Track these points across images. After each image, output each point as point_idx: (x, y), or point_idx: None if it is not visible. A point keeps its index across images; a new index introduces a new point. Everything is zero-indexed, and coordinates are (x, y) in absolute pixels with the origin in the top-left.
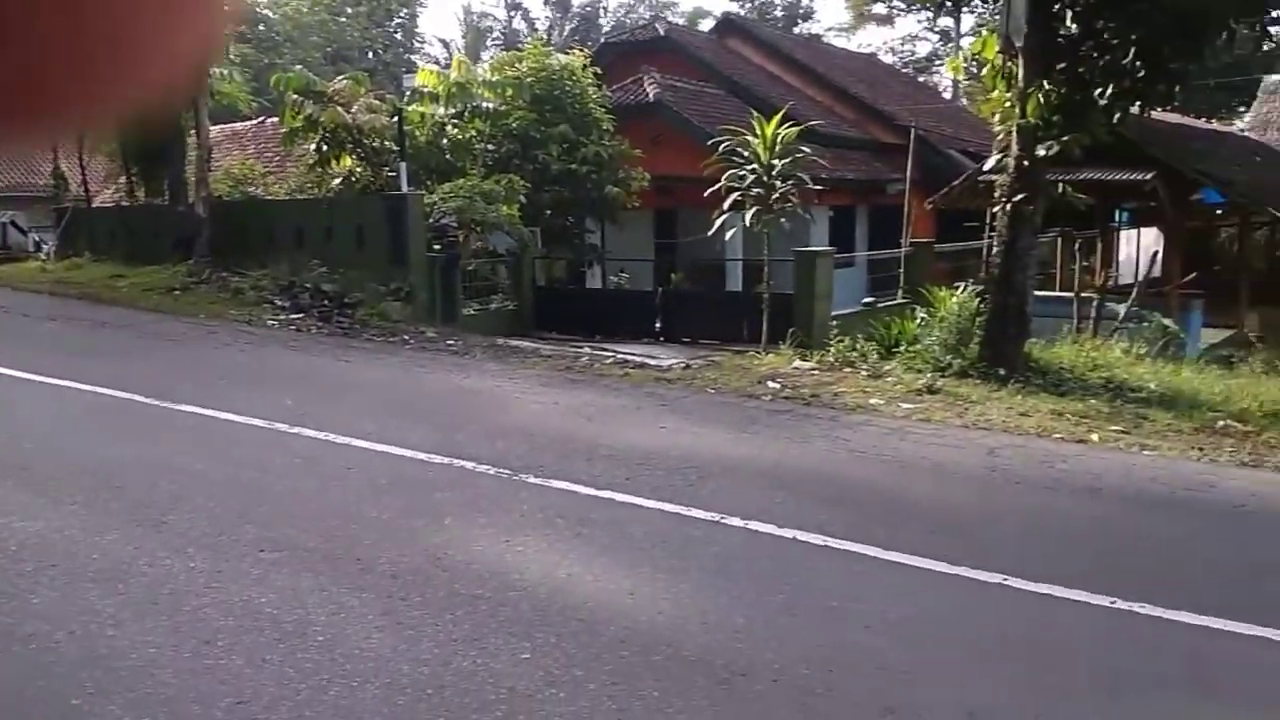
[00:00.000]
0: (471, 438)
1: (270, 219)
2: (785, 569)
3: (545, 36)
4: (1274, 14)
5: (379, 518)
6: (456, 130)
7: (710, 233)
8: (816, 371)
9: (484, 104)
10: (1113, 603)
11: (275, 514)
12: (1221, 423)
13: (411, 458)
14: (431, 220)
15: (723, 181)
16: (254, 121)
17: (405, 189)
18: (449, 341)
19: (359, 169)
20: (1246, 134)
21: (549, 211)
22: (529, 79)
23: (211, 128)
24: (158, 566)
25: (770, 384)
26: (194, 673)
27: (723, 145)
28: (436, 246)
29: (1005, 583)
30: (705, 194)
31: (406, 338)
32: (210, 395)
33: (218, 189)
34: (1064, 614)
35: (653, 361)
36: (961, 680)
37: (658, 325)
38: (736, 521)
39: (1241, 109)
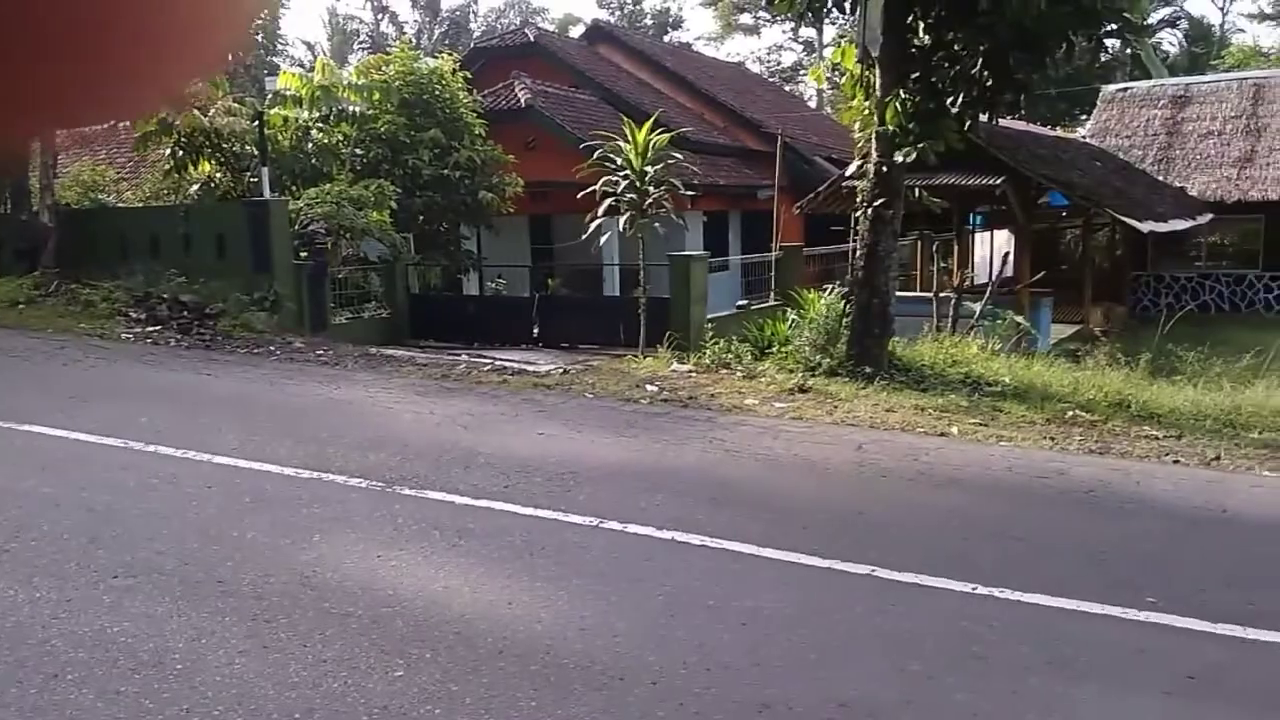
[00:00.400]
0: (342, 450)
1: (124, 227)
2: (664, 570)
3: (414, 40)
4: (1109, 27)
5: (242, 537)
6: (322, 134)
7: (585, 238)
8: (693, 374)
9: (350, 107)
10: (974, 588)
11: (129, 537)
12: (1070, 413)
13: (277, 473)
14: (298, 227)
15: (597, 187)
16: (105, 125)
17: (268, 195)
18: (318, 352)
19: (219, 174)
20: (1088, 140)
21: (422, 217)
22: (397, 82)
23: (57, 131)
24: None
25: (648, 387)
26: (40, 710)
27: (596, 151)
28: (304, 254)
29: (874, 573)
30: (579, 198)
31: (273, 349)
32: (59, 414)
33: (65, 196)
34: (929, 601)
35: (531, 367)
36: (834, 672)
37: (535, 331)
38: (615, 525)
39: (1083, 117)
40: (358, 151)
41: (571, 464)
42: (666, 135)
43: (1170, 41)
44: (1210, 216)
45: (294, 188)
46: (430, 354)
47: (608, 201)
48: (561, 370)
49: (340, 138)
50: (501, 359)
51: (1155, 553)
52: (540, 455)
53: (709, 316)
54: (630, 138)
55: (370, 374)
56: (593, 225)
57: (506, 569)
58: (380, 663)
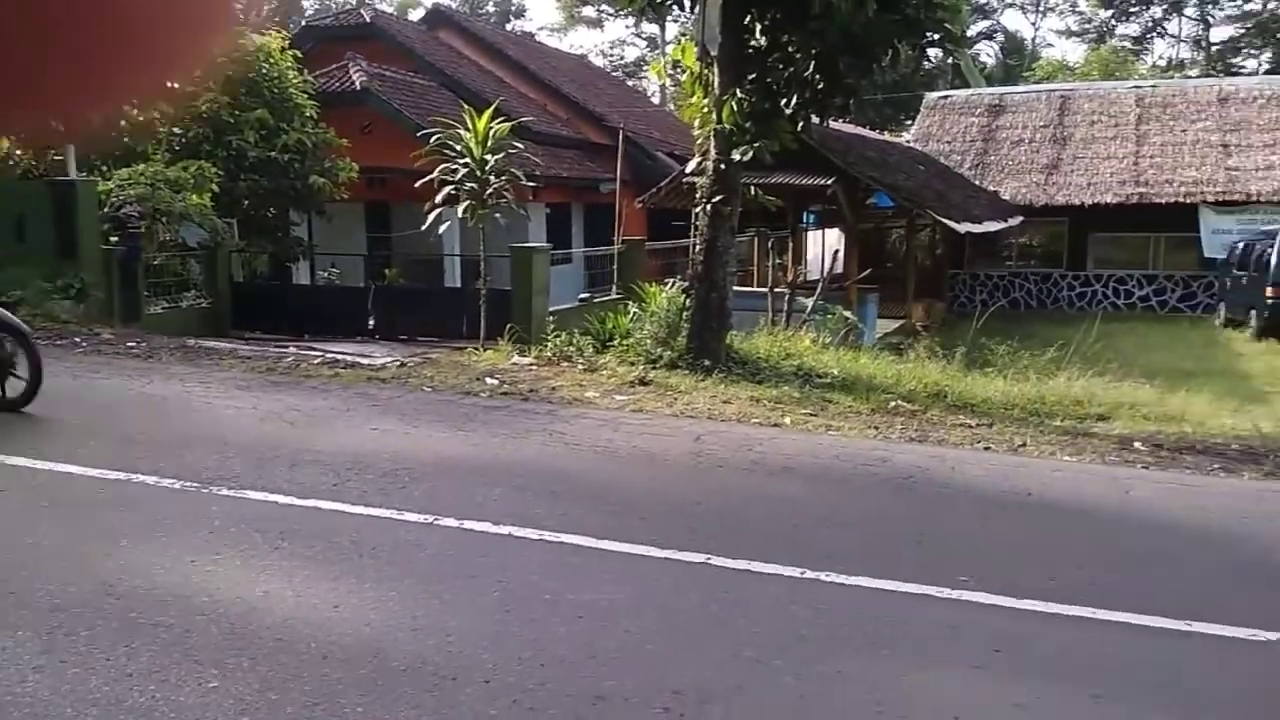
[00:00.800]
0: (154, 449)
1: None
2: (500, 566)
3: (241, 16)
4: (932, 37)
5: (38, 544)
6: (136, 111)
7: (424, 227)
8: (534, 366)
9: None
10: (802, 573)
11: None
12: (893, 403)
13: (80, 475)
14: (108, 210)
15: (435, 174)
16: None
17: (74, 175)
18: (129, 344)
19: (19, 151)
20: (912, 144)
21: (247, 202)
22: (220, 58)
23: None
24: None
25: (488, 380)
26: None
27: (434, 138)
28: (114, 239)
29: (709, 562)
30: (417, 186)
31: (78, 340)
32: None
33: None
34: (761, 587)
35: (365, 360)
36: (669, 661)
37: (371, 322)
38: (451, 522)
39: (908, 122)
40: (175, 130)
41: (406, 460)
42: (508, 124)
43: (988, 53)
44: (1020, 219)
45: (104, 168)
46: (255, 346)
47: (446, 189)
48: (398, 363)
49: (156, 115)
50: (334, 351)
51: (968, 534)
52: (373, 451)
53: (551, 309)
54: (471, 125)
55: (187, 367)
56: (431, 214)
57: (334, 571)
58: (193, 673)
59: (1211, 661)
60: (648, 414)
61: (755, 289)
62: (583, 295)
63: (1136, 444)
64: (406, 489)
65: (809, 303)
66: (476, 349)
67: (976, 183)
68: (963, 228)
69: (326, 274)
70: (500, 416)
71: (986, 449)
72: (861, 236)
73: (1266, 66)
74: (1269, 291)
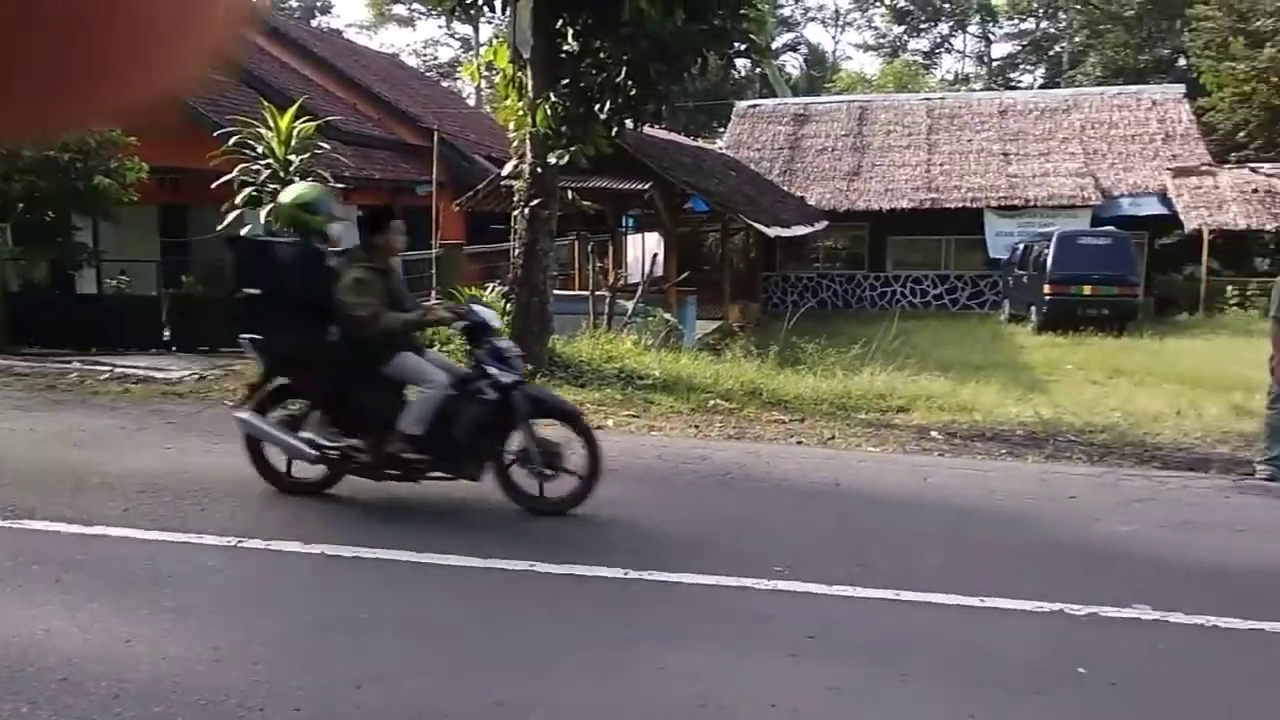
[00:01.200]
0: None
1: None
2: (315, 588)
3: None
4: (739, 47)
5: None
6: None
7: (220, 228)
8: None
9: None
10: (625, 573)
11: None
12: (712, 402)
13: None
14: None
15: (234, 175)
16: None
17: None
18: None
19: None
20: (724, 151)
21: (22, 205)
22: None
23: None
24: None
25: None
26: None
27: (233, 137)
28: None
29: (533, 568)
30: (214, 188)
31: None
32: None
33: None
34: (584, 590)
35: (160, 374)
36: (492, 672)
37: (167, 334)
38: (258, 544)
39: (720, 129)
40: None
41: (205, 481)
42: (313, 124)
43: (793, 64)
44: (826, 223)
45: None
46: (34, 362)
47: (247, 191)
48: (196, 377)
49: None
50: (124, 366)
51: (782, 525)
52: (169, 472)
53: None
54: (273, 124)
55: None
56: (230, 217)
57: (126, 602)
58: None
59: (1005, 634)
60: None
61: (577, 292)
62: None
63: (933, 433)
64: (206, 511)
65: (630, 305)
66: None
67: (785, 188)
68: (773, 232)
69: (115, 282)
70: None
71: (799, 443)
72: (679, 240)
73: (1040, 81)
74: (1047, 289)
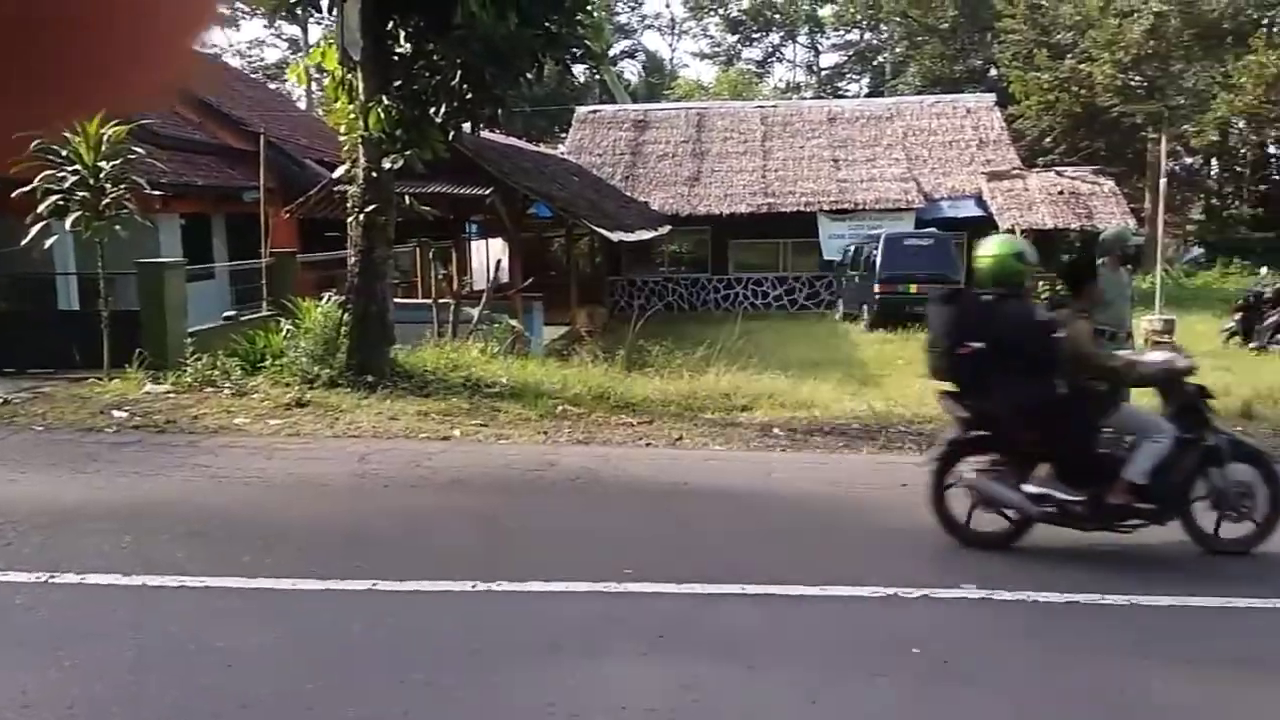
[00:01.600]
0: None
1: None
2: (134, 622)
3: None
4: (575, 52)
5: None
6: None
7: (25, 242)
8: (172, 395)
9: None
10: (474, 586)
11: None
12: (561, 408)
13: None
14: None
15: (37, 183)
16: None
17: None
18: None
19: None
20: (566, 156)
21: None
22: None
23: None
24: None
25: (116, 413)
26: None
27: (35, 142)
28: None
29: (375, 587)
30: (13, 196)
31: None
32: None
33: None
34: (431, 606)
35: None
36: (331, 697)
37: None
38: (71, 578)
39: (562, 134)
40: None
41: (12, 512)
42: (124, 127)
43: (632, 71)
44: (669, 228)
45: None
46: None
47: (53, 199)
48: (1, 400)
49: None
50: None
51: (632, 528)
52: None
53: (191, 330)
54: (80, 129)
55: None
56: (34, 228)
57: None
58: None
59: (846, 620)
60: (306, 437)
61: (420, 300)
62: (228, 314)
63: (776, 430)
64: (13, 545)
65: (475, 312)
66: (100, 379)
67: (628, 193)
68: (616, 236)
69: None
70: (131, 453)
71: (647, 445)
72: (524, 245)
73: (865, 90)
74: (877, 288)
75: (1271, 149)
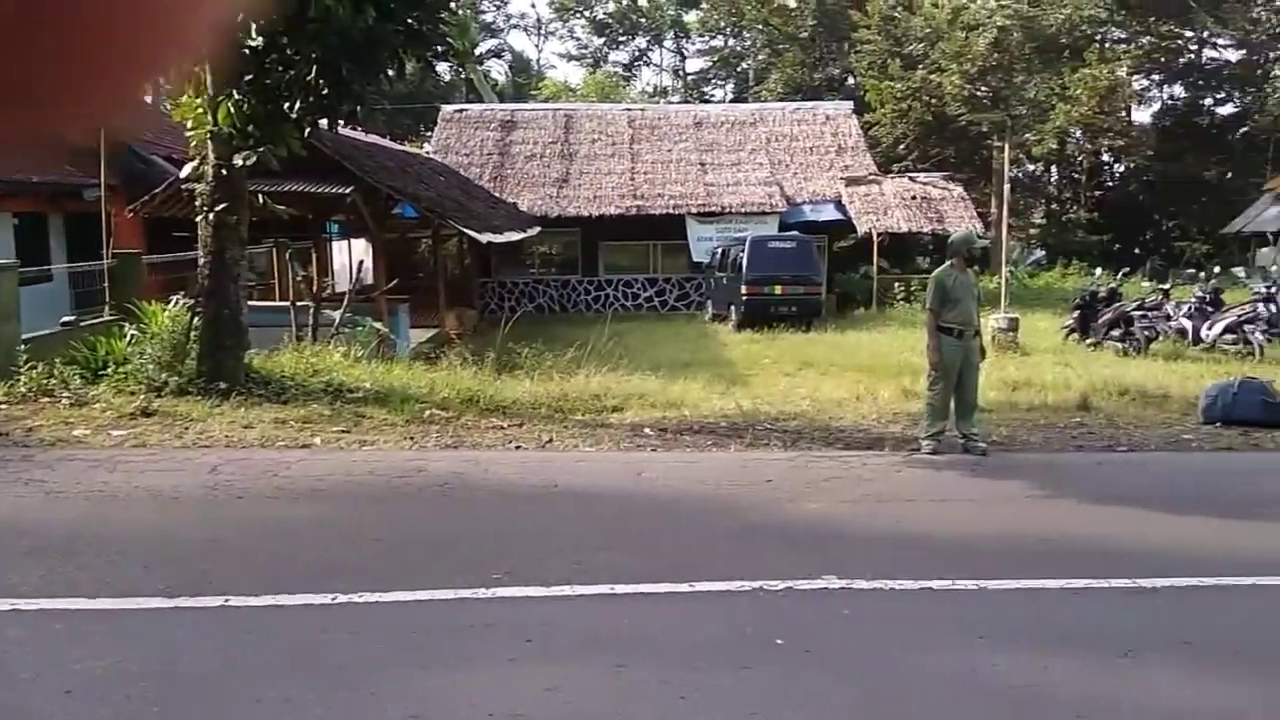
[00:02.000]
0: None
1: None
2: None
3: None
4: (438, 49)
5: None
6: None
7: None
8: (5, 405)
9: None
10: (334, 598)
11: None
12: (428, 412)
13: None
14: None
15: None
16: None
17: None
18: None
19: None
20: (432, 155)
21: None
22: None
23: None
24: None
25: None
26: None
27: None
28: None
29: (228, 603)
30: None
31: None
32: None
33: None
34: (288, 621)
35: None
36: (191, 718)
37: None
38: None
39: (428, 134)
40: None
41: None
42: None
43: (499, 70)
44: (538, 229)
45: None
46: None
47: None
48: None
49: None
50: None
51: (501, 532)
52: None
53: (25, 336)
54: None
55: None
56: None
57: None
58: None
59: (712, 616)
60: (153, 448)
61: (278, 303)
62: (67, 319)
63: (646, 430)
64: None
65: (337, 315)
66: None
67: (496, 194)
68: (484, 237)
69: None
70: None
71: (518, 448)
72: (389, 246)
73: (730, 96)
74: (744, 290)
75: (1105, 157)
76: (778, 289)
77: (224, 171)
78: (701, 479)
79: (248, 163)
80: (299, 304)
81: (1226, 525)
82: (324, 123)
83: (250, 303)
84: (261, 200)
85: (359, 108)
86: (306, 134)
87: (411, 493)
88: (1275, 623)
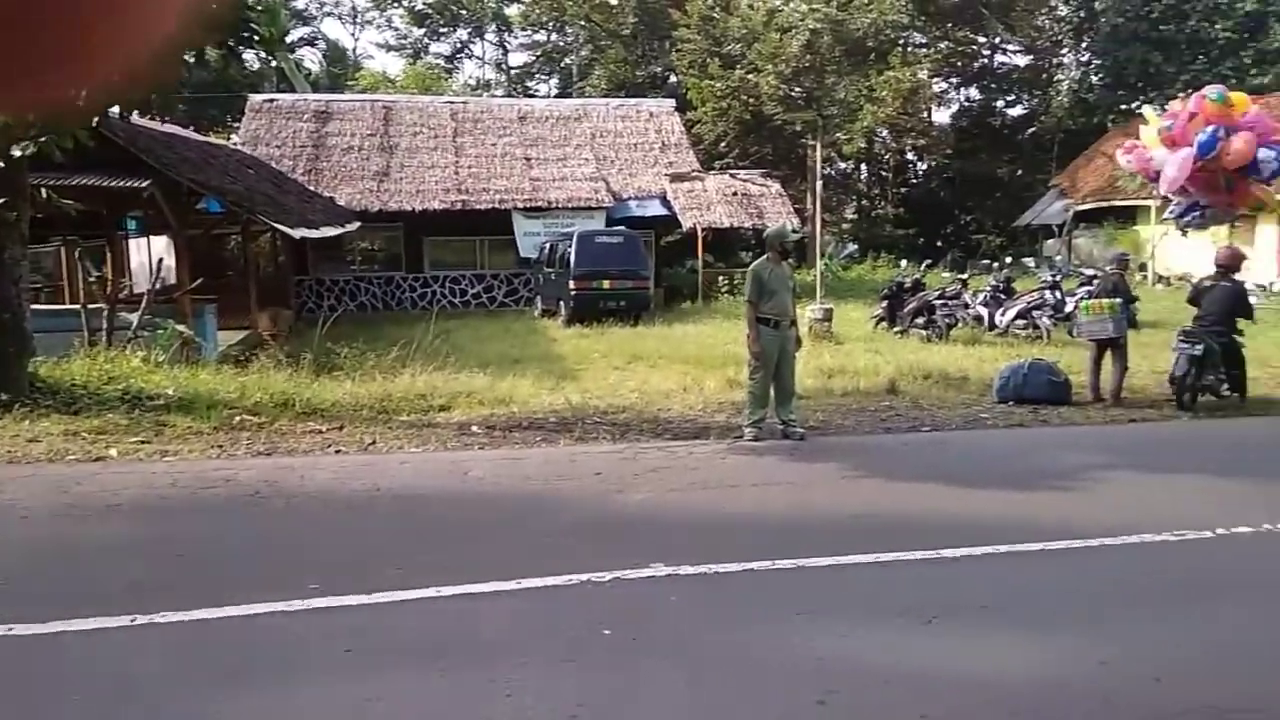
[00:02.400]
0: None
1: None
2: None
3: None
4: (244, 36)
5: None
6: None
7: None
8: None
9: None
10: (133, 620)
11: None
12: (239, 418)
13: None
14: None
15: None
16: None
17: None
18: None
19: None
20: (240, 147)
21: None
22: None
23: None
24: None
25: None
26: None
27: None
28: None
29: (10, 632)
30: None
31: None
32: None
33: None
34: (78, 647)
35: None
36: None
37: None
38: None
39: (236, 124)
40: None
41: None
42: None
43: (312, 59)
44: (358, 224)
45: None
46: None
47: None
48: None
49: None
50: None
51: (317, 540)
52: None
53: None
54: None
55: None
56: None
57: None
58: None
59: (540, 611)
60: None
61: (68, 306)
62: None
63: (474, 428)
64: None
65: (135, 318)
66: None
67: (312, 188)
68: (299, 233)
69: None
70: None
71: (338, 452)
72: (193, 243)
73: (555, 90)
74: (572, 285)
75: (910, 156)
76: (606, 283)
77: (0, 164)
78: (529, 475)
79: (27, 154)
80: (91, 306)
81: (1018, 496)
82: (114, 111)
83: (35, 306)
84: (45, 195)
85: (154, 96)
86: (95, 123)
87: (219, 504)
88: (1063, 583)
